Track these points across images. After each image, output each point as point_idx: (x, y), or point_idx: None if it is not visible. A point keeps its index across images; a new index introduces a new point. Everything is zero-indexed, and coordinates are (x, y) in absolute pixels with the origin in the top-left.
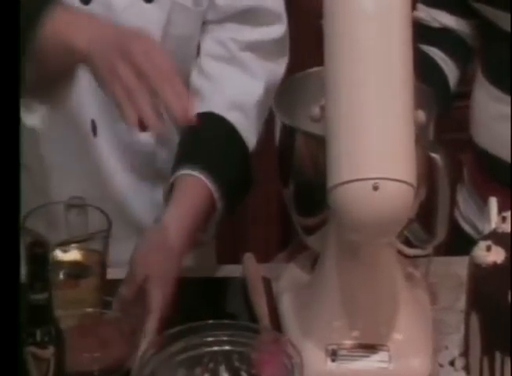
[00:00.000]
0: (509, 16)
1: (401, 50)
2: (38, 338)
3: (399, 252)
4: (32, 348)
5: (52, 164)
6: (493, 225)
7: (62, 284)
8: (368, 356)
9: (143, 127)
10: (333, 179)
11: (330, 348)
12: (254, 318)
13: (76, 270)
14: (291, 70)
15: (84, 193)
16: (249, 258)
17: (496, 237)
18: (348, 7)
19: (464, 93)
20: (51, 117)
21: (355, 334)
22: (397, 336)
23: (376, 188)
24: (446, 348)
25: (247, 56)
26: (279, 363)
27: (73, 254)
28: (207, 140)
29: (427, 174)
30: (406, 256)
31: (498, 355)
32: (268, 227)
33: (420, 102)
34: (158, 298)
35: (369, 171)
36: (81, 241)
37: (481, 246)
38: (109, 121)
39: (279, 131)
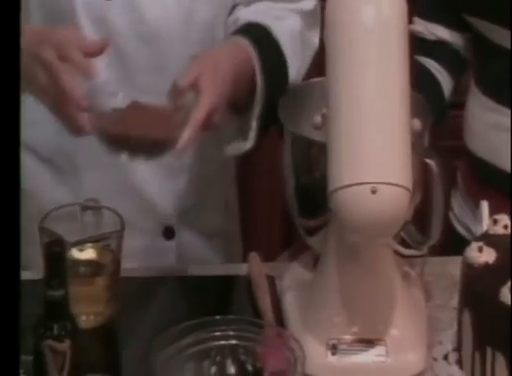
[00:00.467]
0: (500, 29)
1: (398, 62)
2: (56, 332)
3: (396, 252)
4: (50, 342)
5: (82, 160)
6: (485, 228)
7: (78, 282)
8: (366, 350)
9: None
10: (333, 183)
11: (331, 342)
12: (258, 314)
13: (91, 268)
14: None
15: (108, 185)
16: (254, 257)
17: (488, 239)
18: (349, 21)
19: (458, 103)
20: None
21: (355, 329)
22: (394, 332)
23: (374, 192)
24: (440, 343)
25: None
26: (282, 357)
27: (88, 253)
28: (259, 33)
29: (423, 179)
30: (402, 256)
31: (489, 350)
32: (272, 228)
33: (416, 111)
34: (208, 94)
35: (367, 175)
36: (96, 241)
37: (473, 247)
38: None
39: (284, 137)
